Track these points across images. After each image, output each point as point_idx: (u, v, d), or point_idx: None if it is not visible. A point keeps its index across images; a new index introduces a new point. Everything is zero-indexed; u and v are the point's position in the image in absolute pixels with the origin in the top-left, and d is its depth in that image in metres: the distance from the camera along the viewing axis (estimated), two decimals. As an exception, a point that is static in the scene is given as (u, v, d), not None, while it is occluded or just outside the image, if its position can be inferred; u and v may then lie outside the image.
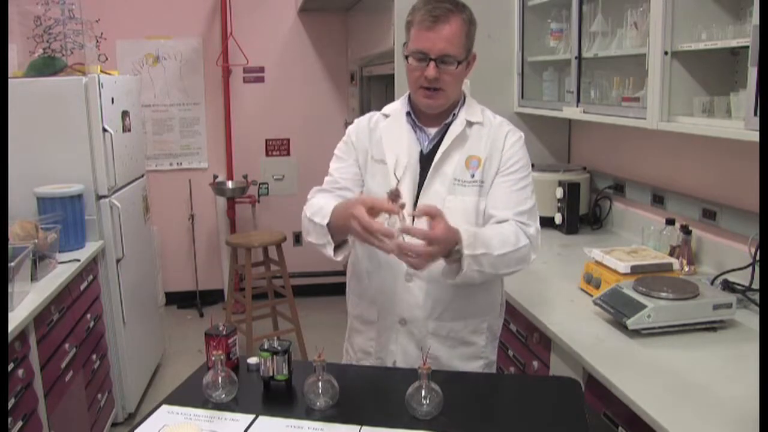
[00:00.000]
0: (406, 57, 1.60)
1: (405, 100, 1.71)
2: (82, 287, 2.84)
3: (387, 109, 1.75)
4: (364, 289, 1.75)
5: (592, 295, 2.03)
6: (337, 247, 1.58)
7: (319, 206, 1.60)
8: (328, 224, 1.54)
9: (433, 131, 1.68)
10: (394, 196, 1.42)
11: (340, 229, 1.53)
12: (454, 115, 1.67)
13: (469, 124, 1.66)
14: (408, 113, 1.69)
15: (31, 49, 3.21)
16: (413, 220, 1.49)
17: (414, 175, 1.64)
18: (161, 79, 4.82)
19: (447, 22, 1.54)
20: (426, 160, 1.65)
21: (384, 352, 1.72)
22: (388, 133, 1.69)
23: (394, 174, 1.60)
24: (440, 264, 1.63)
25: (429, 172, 1.63)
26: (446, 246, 1.44)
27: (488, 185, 1.64)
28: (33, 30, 3.22)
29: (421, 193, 1.63)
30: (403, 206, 1.42)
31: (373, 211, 1.42)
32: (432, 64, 1.55)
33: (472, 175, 1.63)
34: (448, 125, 1.66)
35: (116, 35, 4.48)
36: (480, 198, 1.63)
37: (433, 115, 1.67)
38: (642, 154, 2.75)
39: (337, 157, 1.75)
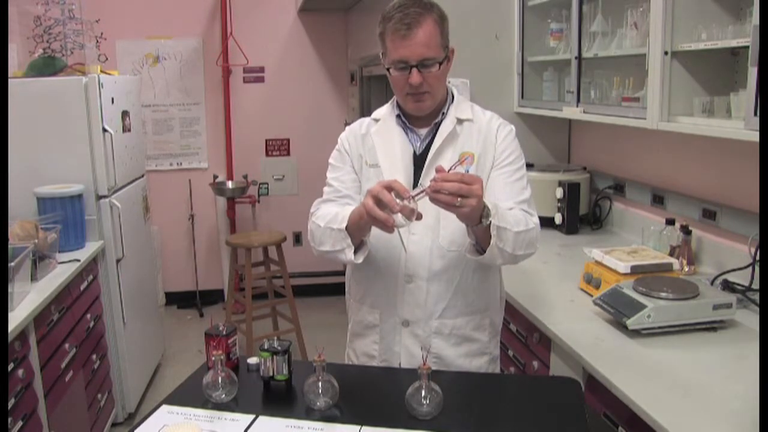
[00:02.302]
0: (388, 69, 1.60)
1: (394, 102, 1.72)
2: (82, 287, 2.84)
3: (377, 113, 1.76)
4: (365, 293, 1.75)
5: (592, 295, 2.03)
6: (356, 251, 1.59)
7: (333, 213, 1.60)
8: (346, 227, 1.55)
9: (424, 131, 1.69)
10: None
11: (356, 226, 1.53)
12: (443, 114, 1.67)
13: (459, 121, 1.67)
14: (398, 116, 1.70)
15: (31, 49, 3.21)
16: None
17: (408, 176, 1.64)
18: (161, 79, 4.82)
19: (420, 26, 1.53)
20: (419, 161, 1.66)
21: (388, 354, 1.72)
22: (380, 137, 1.70)
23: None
24: (441, 260, 1.64)
25: (423, 171, 1.64)
26: (481, 193, 1.40)
27: (484, 180, 1.64)
28: (33, 30, 3.22)
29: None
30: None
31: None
32: (414, 70, 1.55)
33: (467, 171, 1.63)
34: (439, 124, 1.67)
35: (116, 35, 4.48)
36: None
37: (423, 116, 1.68)
38: (642, 154, 2.75)
39: (332, 166, 1.75)
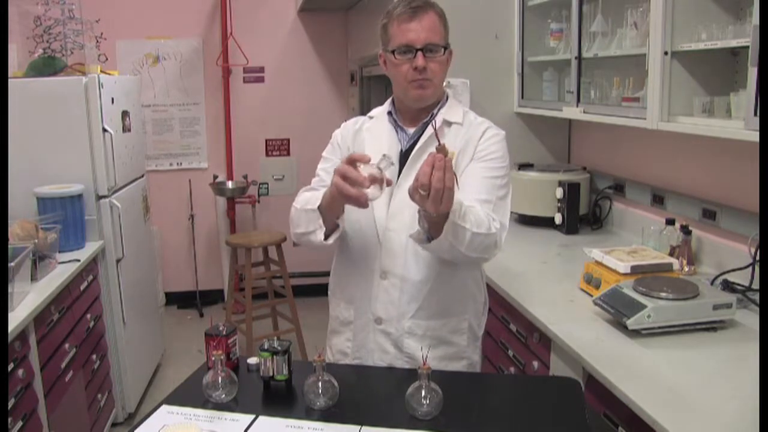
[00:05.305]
0: (392, 52, 1.60)
1: (389, 102, 1.75)
2: (82, 287, 2.84)
3: (373, 112, 1.79)
4: (342, 289, 1.76)
5: (592, 295, 2.02)
6: (330, 234, 1.58)
7: (309, 197, 1.63)
8: (319, 207, 1.55)
9: (412, 130, 1.70)
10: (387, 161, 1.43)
11: (329, 207, 1.53)
12: (432, 114, 1.68)
13: (448, 123, 1.67)
14: (389, 113, 1.72)
15: (31, 49, 3.21)
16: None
17: (393, 173, 1.64)
18: (161, 79, 4.82)
19: (426, 13, 1.59)
20: (405, 158, 1.66)
21: (361, 351, 1.72)
22: (370, 133, 1.73)
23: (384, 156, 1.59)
24: (416, 258, 1.62)
25: (404, 168, 1.64)
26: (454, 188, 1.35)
27: (458, 174, 1.62)
28: (33, 30, 3.22)
29: (395, 188, 1.63)
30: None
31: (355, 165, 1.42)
32: (419, 53, 1.57)
33: None
34: (427, 124, 1.67)
35: (116, 35, 4.48)
36: None
37: (413, 115, 1.69)
38: (642, 154, 2.75)
39: (323, 158, 1.79)
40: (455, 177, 1.34)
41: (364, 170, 1.39)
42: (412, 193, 1.37)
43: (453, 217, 1.42)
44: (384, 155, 1.42)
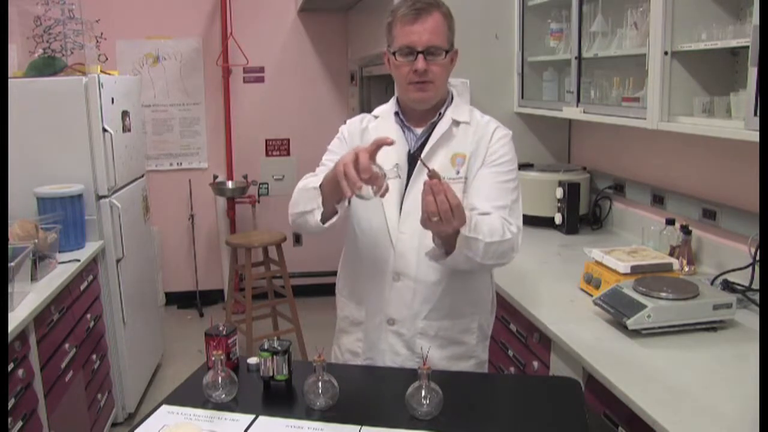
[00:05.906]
0: (394, 53, 1.60)
1: (394, 101, 1.74)
2: (82, 287, 2.84)
3: (377, 110, 1.78)
4: (352, 290, 1.76)
5: (592, 295, 2.03)
6: (326, 220, 1.56)
7: (310, 179, 1.61)
8: (320, 186, 1.53)
9: (420, 131, 1.69)
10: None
11: (330, 186, 1.49)
12: (440, 114, 1.68)
13: (456, 123, 1.67)
14: (396, 113, 1.70)
15: (31, 49, 3.21)
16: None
17: (397, 183, 1.63)
18: (161, 79, 4.82)
19: (429, 14, 1.57)
20: (413, 159, 1.65)
21: (372, 352, 1.72)
22: (377, 133, 1.70)
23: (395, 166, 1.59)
24: (429, 261, 1.60)
25: (414, 170, 1.63)
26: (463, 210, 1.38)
27: (471, 179, 1.63)
28: (33, 30, 3.22)
29: (407, 191, 1.63)
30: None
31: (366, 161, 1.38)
32: (420, 56, 1.56)
33: (458, 172, 1.63)
34: (435, 124, 1.67)
35: (116, 35, 4.48)
36: (465, 194, 1.62)
37: (420, 115, 1.68)
38: (642, 154, 2.75)
39: (329, 150, 1.77)
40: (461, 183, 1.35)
41: (374, 169, 1.38)
42: (425, 223, 1.38)
43: (464, 231, 1.43)
44: (396, 165, 1.42)
